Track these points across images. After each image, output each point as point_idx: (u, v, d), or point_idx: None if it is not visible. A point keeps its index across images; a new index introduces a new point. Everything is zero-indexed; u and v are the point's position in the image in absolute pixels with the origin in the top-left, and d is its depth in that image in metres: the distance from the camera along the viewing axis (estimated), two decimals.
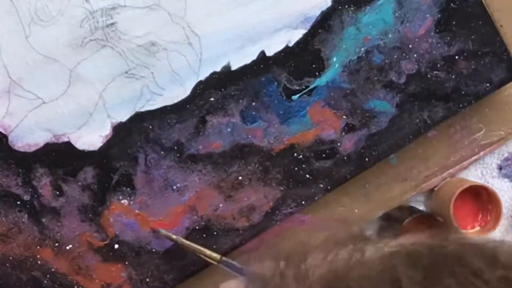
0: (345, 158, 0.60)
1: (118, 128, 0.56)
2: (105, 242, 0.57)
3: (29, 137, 0.56)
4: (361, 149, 0.60)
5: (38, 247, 0.57)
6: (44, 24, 0.55)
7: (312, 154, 0.59)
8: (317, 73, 0.58)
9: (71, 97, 0.56)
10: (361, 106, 0.59)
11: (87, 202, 0.57)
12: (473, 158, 0.66)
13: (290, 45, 0.58)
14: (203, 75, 0.57)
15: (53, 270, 0.57)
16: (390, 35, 0.59)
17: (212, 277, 0.63)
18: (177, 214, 0.58)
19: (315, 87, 0.58)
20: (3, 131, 0.55)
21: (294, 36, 0.58)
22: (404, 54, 0.59)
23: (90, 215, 0.57)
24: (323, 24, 0.58)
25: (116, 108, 0.56)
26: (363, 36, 0.58)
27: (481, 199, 0.66)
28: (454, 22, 0.59)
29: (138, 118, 0.57)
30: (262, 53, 0.58)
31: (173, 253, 0.58)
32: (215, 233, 0.59)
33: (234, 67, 0.57)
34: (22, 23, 0.54)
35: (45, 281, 0.57)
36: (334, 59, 0.58)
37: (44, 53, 0.55)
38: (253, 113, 0.58)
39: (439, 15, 0.59)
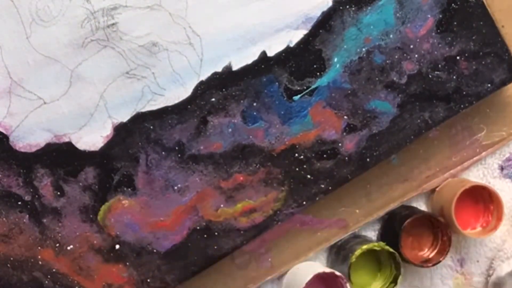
0: (346, 158, 0.60)
1: (119, 129, 0.57)
2: (106, 243, 0.57)
3: (30, 137, 0.56)
4: (362, 150, 0.60)
5: (39, 247, 0.57)
6: (45, 24, 0.55)
7: (313, 155, 0.59)
8: (318, 74, 0.58)
9: (72, 97, 0.56)
10: (362, 106, 0.59)
11: (88, 202, 0.57)
12: (475, 158, 0.66)
13: (291, 45, 0.58)
14: (204, 75, 0.57)
15: (54, 270, 0.57)
16: (391, 36, 0.59)
17: (212, 278, 0.63)
18: (178, 215, 0.58)
19: (316, 88, 0.58)
20: (4, 132, 0.55)
21: (295, 36, 0.58)
22: (405, 55, 0.59)
23: (91, 216, 0.57)
24: (324, 25, 0.58)
25: (117, 109, 0.56)
26: (364, 36, 0.58)
27: (483, 199, 0.66)
28: (455, 23, 0.59)
29: (139, 118, 0.57)
30: (263, 53, 0.58)
31: (174, 253, 0.58)
32: (216, 233, 0.59)
33: (235, 67, 0.57)
34: (23, 23, 0.55)
35: (46, 282, 0.57)
36: (335, 59, 0.58)
37: (45, 54, 0.55)
38: (254, 113, 0.58)
39: (440, 16, 0.59)
